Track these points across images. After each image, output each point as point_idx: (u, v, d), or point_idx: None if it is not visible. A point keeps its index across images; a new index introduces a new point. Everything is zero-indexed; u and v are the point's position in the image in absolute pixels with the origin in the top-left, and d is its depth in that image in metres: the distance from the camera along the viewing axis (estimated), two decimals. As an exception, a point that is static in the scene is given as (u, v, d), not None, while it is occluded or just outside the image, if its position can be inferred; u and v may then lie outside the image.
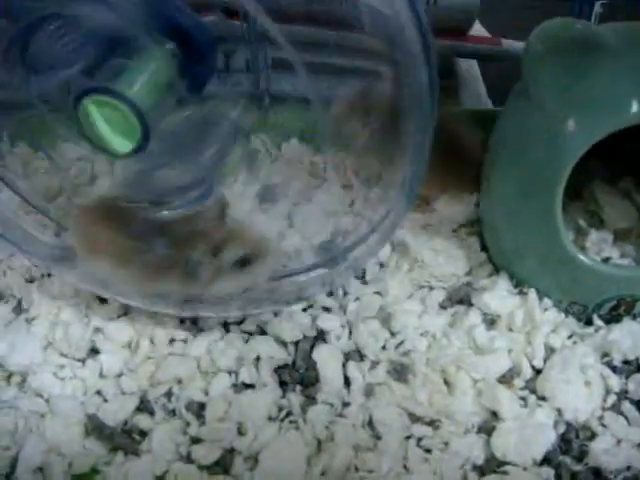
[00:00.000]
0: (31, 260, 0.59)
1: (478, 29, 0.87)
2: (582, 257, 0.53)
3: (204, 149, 0.51)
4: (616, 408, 0.51)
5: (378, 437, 0.49)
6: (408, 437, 0.49)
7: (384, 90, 0.48)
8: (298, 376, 0.53)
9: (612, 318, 0.55)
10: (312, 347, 0.55)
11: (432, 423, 0.50)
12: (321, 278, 0.56)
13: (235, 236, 0.50)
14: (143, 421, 0.51)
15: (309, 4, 0.56)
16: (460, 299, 0.58)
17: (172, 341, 0.56)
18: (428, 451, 0.49)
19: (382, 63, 0.46)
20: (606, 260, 0.58)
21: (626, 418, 0.50)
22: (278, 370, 0.54)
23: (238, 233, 0.50)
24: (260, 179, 0.67)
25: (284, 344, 0.55)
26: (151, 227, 0.50)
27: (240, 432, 0.50)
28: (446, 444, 0.49)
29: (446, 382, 0.52)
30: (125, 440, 0.50)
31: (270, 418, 0.51)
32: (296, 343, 0.55)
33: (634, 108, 0.48)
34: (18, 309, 0.59)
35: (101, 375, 0.54)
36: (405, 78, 0.43)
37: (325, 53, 0.66)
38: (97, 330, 0.56)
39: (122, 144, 0.45)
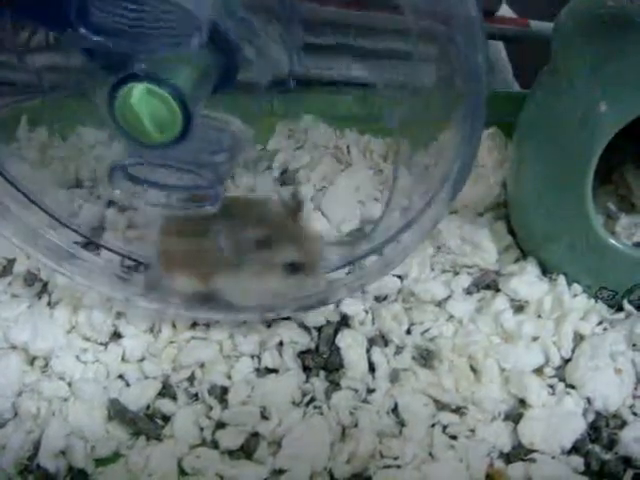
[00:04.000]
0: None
1: (505, 11, 0.85)
2: (613, 241, 0.52)
3: (215, 153, 0.49)
4: (647, 396, 0.50)
5: (403, 424, 0.49)
6: (433, 424, 0.49)
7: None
8: (322, 361, 0.53)
9: (642, 304, 0.54)
10: (336, 332, 0.54)
11: (458, 410, 0.49)
12: (349, 282, 0.55)
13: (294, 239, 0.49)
14: (166, 405, 0.51)
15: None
16: (487, 284, 0.58)
17: (194, 325, 0.55)
18: (454, 438, 0.48)
19: (430, 45, 0.44)
20: (637, 245, 0.57)
21: (657, 406, 0.49)
22: (301, 355, 0.53)
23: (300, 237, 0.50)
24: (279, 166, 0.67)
25: (307, 329, 0.55)
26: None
27: (264, 416, 0.50)
28: (472, 431, 0.48)
29: (473, 369, 0.51)
30: (147, 424, 0.50)
31: (294, 403, 0.51)
32: (319, 328, 0.55)
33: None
34: (42, 293, 0.58)
35: (123, 359, 0.54)
36: (460, 60, 0.41)
37: (369, 36, 0.65)
38: (119, 315, 0.56)
39: (159, 133, 0.43)
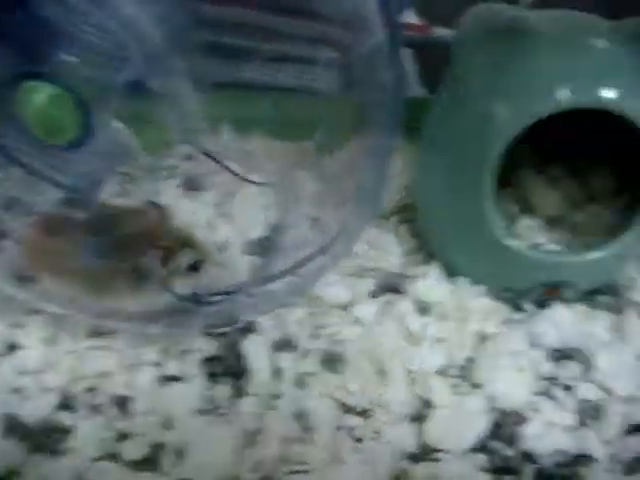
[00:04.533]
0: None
1: (409, 16, 0.86)
2: (512, 243, 0.53)
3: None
4: (546, 393, 0.51)
5: (309, 428, 0.48)
6: (340, 427, 0.49)
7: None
8: (226, 368, 0.52)
9: (542, 303, 0.56)
10: (240, 338, 0.53)
11: (364, 413, 0.49)
12: (259, 300, 0.54)
13: (184, 242, 0.49)
14: (65, 418, 0.49)
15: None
16: (392, 288, 0.58)
17: (94, 334, 0.54)
18: (359, 441, 0.48)
19: (338, 52, 0.44)
20: (536, 246, 0.58)
21: (556, 402, 0.50)
22: (205, 362, 0.52)
23: (186, 239, 0.49)
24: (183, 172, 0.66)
25: (211, 336, 0.54)
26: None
27: (168, 426, 0.49)
28: (378, 433, 0.48)
29: (378, 371, 0.51)
30: (45, 439, 0.48)
31: (198, 411, 0.50)
32: (223, 334, 0.54)
33: (560, 95, 0.49)
34: None
35: (20, 371, 0.52)
36: (368, 74, 0.41)
37: (277, 40, 0.64)
38: (15, 325, 0.54)
39: (53, 135, 0.42)
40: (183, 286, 0.50)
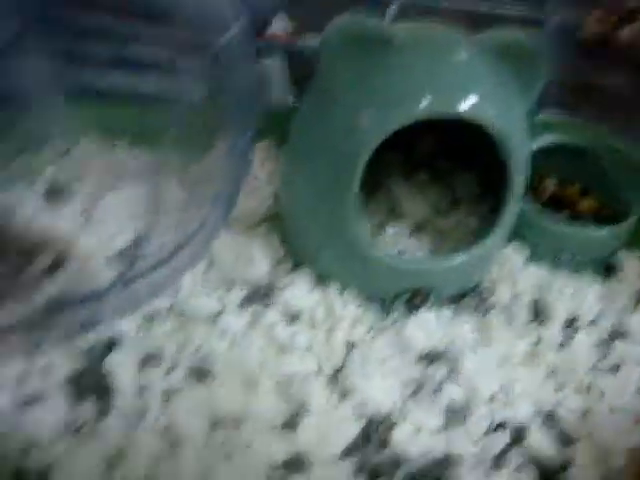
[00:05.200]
0: None
1: (281, 24, 0.87)
2: (375, 252, 0.54)
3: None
4: (415, 397, 0.52)
5: (178, 444, 0.47)
6: (209, 441, 0.48)
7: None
8: (91, 385, 0.50)
9: (409, 309, 0.57)
10: (105, 353, 0.52)
11: (234, 424, 0.49)
12: (118, 303, 0.52)
13: (41, 243, 0.47)
14: None
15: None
16: (260, 298, 0.58)
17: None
18: (230, 454, 0.47)
19: (198, 60, 0.43)
20: (402, 253, 0.59)
21: (424, 406, 0.51)
22: (69, 380, 0.51)
23: (43, 240, 0.47)
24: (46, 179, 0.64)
25: (75, 351, 0.52)
26: None
27: (31, 449, 0.47)
28: (249, 445, 0.48)
29: (248, 382, 0.51)
30: None
31: (63, 431, 0.48)
32: (89, 349, 0.52)
33: (422, 103, 0.50)
34: None
35: None
36: (227, 77, 0.41)
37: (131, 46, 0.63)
38: None
39: None
40: (43, 293, 0.48)
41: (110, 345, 0.53)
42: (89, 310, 0.50)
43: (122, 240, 0.59)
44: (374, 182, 0.63)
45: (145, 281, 0.51)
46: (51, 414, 0.48)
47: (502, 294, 0.59)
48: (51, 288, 0.48)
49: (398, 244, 0.60)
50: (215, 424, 0.49)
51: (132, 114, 0.64)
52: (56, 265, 0.47)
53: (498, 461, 0.49)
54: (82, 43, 0.43)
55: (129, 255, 0.55)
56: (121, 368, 0.51)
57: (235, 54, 0.39)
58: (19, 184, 0.59)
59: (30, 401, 0.49)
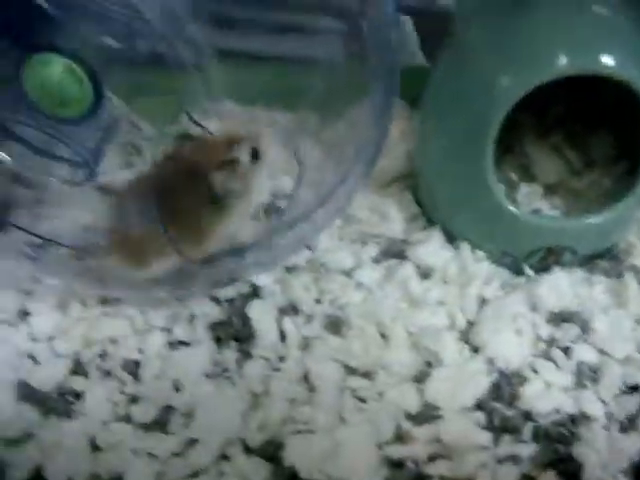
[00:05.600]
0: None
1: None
2: (512, 209, 0.54)
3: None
4: (546, 355, 0.52)
5: (313, 390, 0.50)
6: (343, 389, 0.50)
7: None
8: (233, 332, 0.53)
9: (542, 268, 0.57)
10: (246, 303, 0.54)
11: (367, 374, 0.51)
12: (261, 257, 0.55)
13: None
14: (77, 383, 0.51)
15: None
16: (394, 253, 0.59)
17: (104, 301, 0.55)
18: (363, 401, 0.49)
19: (339, 20, 0.44)
20: (535, 212, 0.59)
21: (555, 364, 0.51)
22: (213, 327, 0.54)
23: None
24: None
25: (218, 301, 0.55)
26: None
27: (176, 389, 0.50)
28: (381, 394, 0.49)
29: (381, 334, 0.53)
30: (58, 403, 0.50)
31: (206, 374, 0.51)
32: (230, 300, 0.55)
33: (561, 61, 0.49)
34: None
35: (32, 338, 0.53)
36: (372, 35, 0.41)
37: (278, 10, 0.64)
38: (27, 293, 0.55)
39: (64, 107, 0.42)
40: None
41: (252, 296, 0.55)
42: (234, 264, 0.53)
43: (265, 196, 0.61)
44: (507, 142, 0.63)
45: (288, 236, 0.53)
46: (197, 358, 0.51)
47: (638, 257, 0.58)
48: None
49: (531, 204, 0.60)
50: (349, 373, 0.51)
51: (272, 75, 0.65)
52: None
53: (630, 423, 0.48)
54: (226, 7, 0.44)
55: (272, 210, 0.58)
56: (262, 317, 0.53)
57: (380, 15, 0.39)
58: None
59: (178, 345, 0.53)
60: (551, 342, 0.53)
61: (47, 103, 0.41)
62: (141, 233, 0.50)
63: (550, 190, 0.62)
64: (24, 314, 0.55)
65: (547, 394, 0.49)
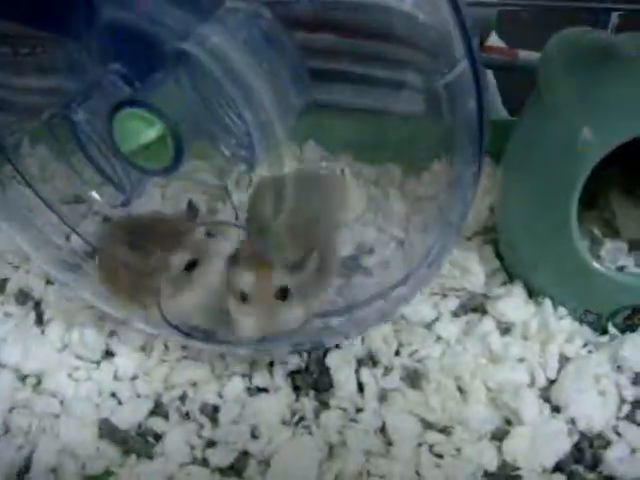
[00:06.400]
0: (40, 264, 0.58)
1: (494, 40, 0.87)
2: (597, 265, 0.53)
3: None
4: (631, 417, 0.51)
5: (390, 443, 0.49)
6: (420, 443, 0.49)
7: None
8: (311, 381, 0.53)
9: (627, 327, 0.55)
10: (325, 353, 0.55)
11: (445, 430, 0.50)
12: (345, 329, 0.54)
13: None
14: (157, 424, 0.52)
15: (331, 12, 0.55)
16: (474, 307, 0.59)
17: (186, 345, 0.56)
18: (440, 457, 0.48)
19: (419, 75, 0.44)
20: (621, 269, 0.58)
21: (640, 429, 0.50)
22: (291, 375, 0.54)
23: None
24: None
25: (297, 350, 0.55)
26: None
27: (254, 435, 0.50)
28: (458, 450, 0.49)
29: (460, 389, 0.52)
30: (138, 443, 0.51)
31: (283, 422, 0.51)
32: (309, 349, 0.55)
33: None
34: (35, 311, 0.59)
35: (116, 377, 0.55)
36: (452, 100, 0.42)
37: (362, 64, 0.65)
38: (112, 333, 0.57)
39: (151, 161, 0.44)
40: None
41: (331, 345, 0.55)
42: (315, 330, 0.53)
43: (345, 250, 0.61)
44: (591, 197, 0.62)
45: (371, 308, 0.53)
46: (275, 405, 0.52)
47: None
48: None
49: (616, 260, 0.58)
50: (426, 427, 0.50)
51: (353, 127, 0.66)
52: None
53: None
54: (312, 61, 0.45)
55: (352, 265, 0.58)
56: (340, 367, 0.53)
57: (466, 74, 0.40)
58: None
59: (257, 392, 0.53)
60: (636, 404, 0.51)
61: (134, 156, 0.42)
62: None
63: (635, 246, 0.61)
64: (109, 354, 0.56)
65: (632, 459, 0.48)
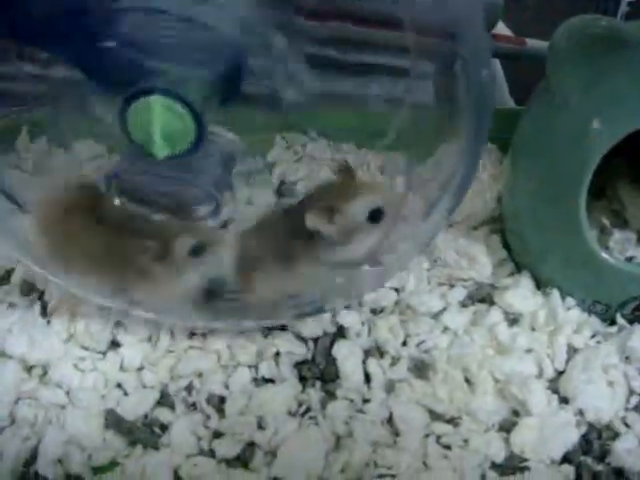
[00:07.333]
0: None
1: (501, 28, 0.87)
2: (606, 256, 0.53)
3: (207, 167, 0.50)
4: (639, 409, 0.50)
5: (397, 434, 0.49)
6: (428, 434, 0.49)
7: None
8: (318, 372, 0.53)
9: (635, 318, 0.55)
10: (332, 343, 0.54)
11: (452, 420, 0.50)
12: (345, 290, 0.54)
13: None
14: (163, 414, 0.51)
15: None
16: (481, 298, 0.58)
17: (192, 335, 0.56)
18: (448, 448, 0.48)
19: (428, 62, 0.44)
20: (629, 259, 0.58)
21: (649, 420, 0.50)
22: (298, 365, 0.54)
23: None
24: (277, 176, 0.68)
25: (304, 340, 0.55)
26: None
27: (260, 426, 0.50)
28: (466, 441, 0.49)
29: (467, 380, 0.52)
30: (144, 433, 0.50)
31: (290, 413, 0.51)
32: (316, 339, 0.55)
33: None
34: (40, 302, 0.59)
35: (121, 368, 0.54)
36: (465, 75, 0.41)
37: (369, 52, 0.65)
38: (117, 324, 0.56)
39: (170, 146, 0.44)
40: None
41: (337, 336, 0.55)
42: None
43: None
44: (599, 187, 0.62)
45: (370, 268, 0.52)
46: (281, 396, 0.51)
47: None
48: None
49: (625, 251, 0.58)
50: (434, 418, 0.50)
51: (358, 116, 0.66)
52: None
53: None
54: (318, 49, 0.45)
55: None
56: (347, 358, 0.53)
57: (475, 55, 0.40)
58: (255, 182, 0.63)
59: (264, 383, 0.53)
60: (645, 396, 0.51)
61: (153, 145, 0.42)
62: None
63: (643, 236, 0.60)
64: (114, 345, 0.56)
65: (640, 450, 0.48)
